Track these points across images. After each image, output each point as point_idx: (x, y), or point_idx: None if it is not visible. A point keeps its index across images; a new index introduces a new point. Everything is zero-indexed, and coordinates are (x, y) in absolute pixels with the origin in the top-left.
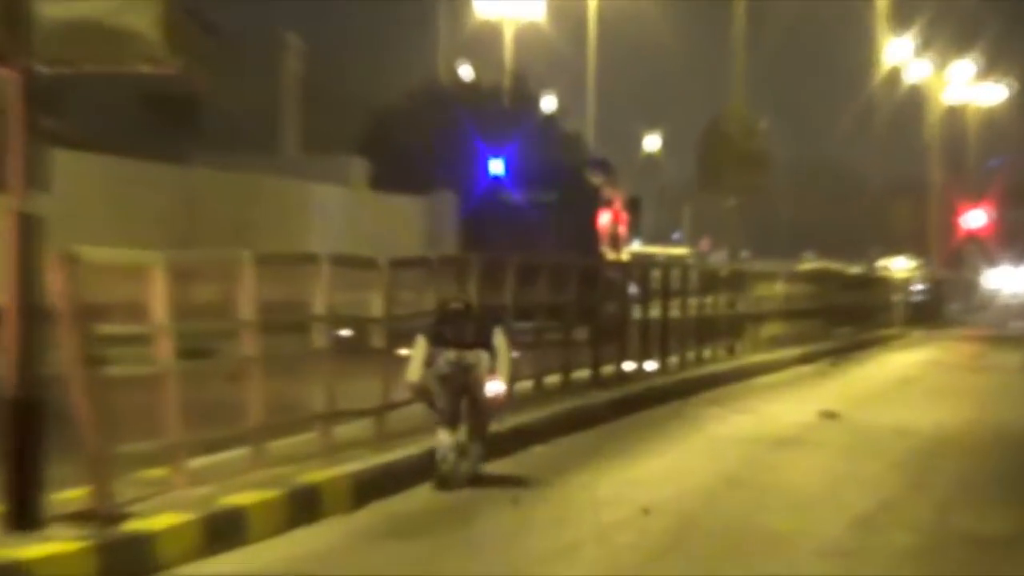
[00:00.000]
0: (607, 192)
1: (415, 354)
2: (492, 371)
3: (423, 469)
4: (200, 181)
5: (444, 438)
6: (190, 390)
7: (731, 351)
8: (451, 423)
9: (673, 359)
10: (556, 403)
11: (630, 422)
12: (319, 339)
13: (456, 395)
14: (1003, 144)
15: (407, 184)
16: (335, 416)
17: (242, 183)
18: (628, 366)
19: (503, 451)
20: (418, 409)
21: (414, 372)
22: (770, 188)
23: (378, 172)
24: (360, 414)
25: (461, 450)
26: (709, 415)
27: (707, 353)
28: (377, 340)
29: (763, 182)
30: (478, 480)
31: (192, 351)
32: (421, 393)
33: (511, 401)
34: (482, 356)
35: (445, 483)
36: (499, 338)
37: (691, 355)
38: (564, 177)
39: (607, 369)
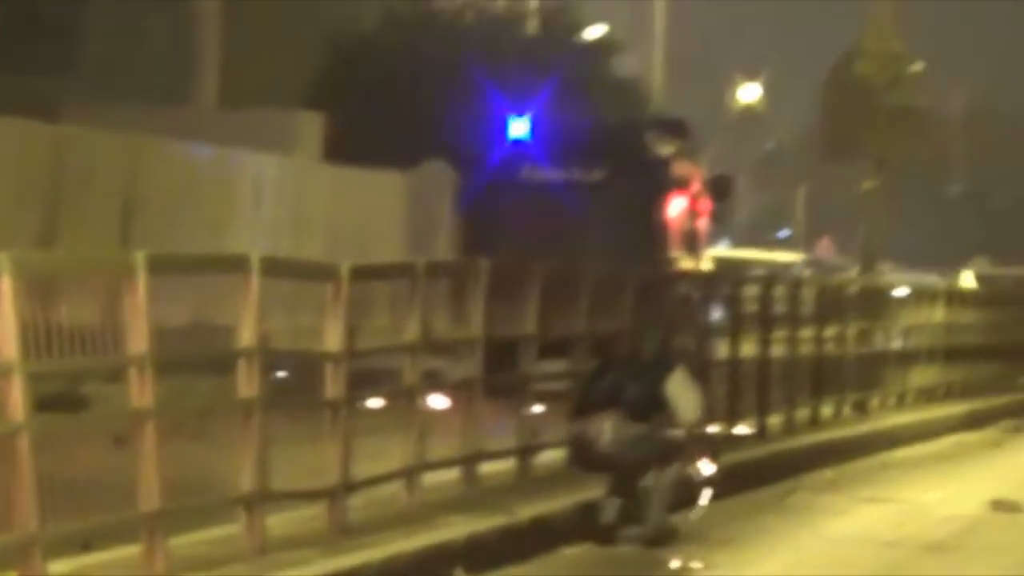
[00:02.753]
0: (681, 168)
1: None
2: None
3: None
4: (72, 143)
5: None
6: (52, 458)
7: (862, 408)
8: None
9: (775, 420)
10: (597, 484)
11: (707, 515)
12: (247, 384)
13: None
14: None
15: (381, 153)
16: (270, 499)
17: (133, 148)
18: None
19: (514, 554)
20: (395, 489)
21: None
22: (930, 162)
23: (338, 134)
24: (307, 496)
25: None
26: (827, 505)
27: (826, 411)
28: (332, 386)
29: (920, 152)
30: None
31: (54, 399)
32: None
33: None
34: None
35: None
36: None
37: (802, 414)
38: (617, 145)
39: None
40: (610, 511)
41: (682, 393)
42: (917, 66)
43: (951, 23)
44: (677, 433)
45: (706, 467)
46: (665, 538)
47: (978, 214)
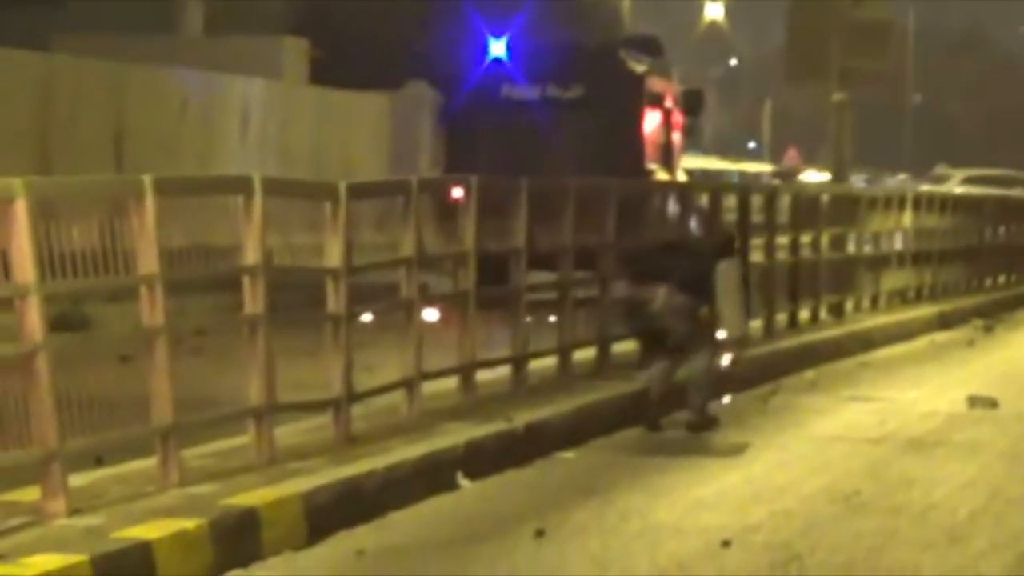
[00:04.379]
0: (655, 84)
1: None
2: None
3: (404, 485)
4: (63, 72)
5: None
6: (64, 376)
7: (839, 312)
8: None
9: (755, 324)
10: (589, 390)
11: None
12: (252, 300)
13: None
14: None
15: (365, 75)
16: (277, 411)
17: (124, 76)
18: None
19: (512, 459)
20: (394, 400)
21: None
22: (895, 76)
23: (323, 58)
24: (313, 407)
25: None
26: (809, 405)
27: (804, 315)
28: (333, 301)
29: (884, 67)
30: None
31: (58, 319)
32: None
33: None
34: None
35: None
36: None
37: (781, 318)
38: (592, 63)
39: None
40: (655, 388)
41: (728, 295)
42: None
43: None
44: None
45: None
46: (708, 424)
47: (935, 123)
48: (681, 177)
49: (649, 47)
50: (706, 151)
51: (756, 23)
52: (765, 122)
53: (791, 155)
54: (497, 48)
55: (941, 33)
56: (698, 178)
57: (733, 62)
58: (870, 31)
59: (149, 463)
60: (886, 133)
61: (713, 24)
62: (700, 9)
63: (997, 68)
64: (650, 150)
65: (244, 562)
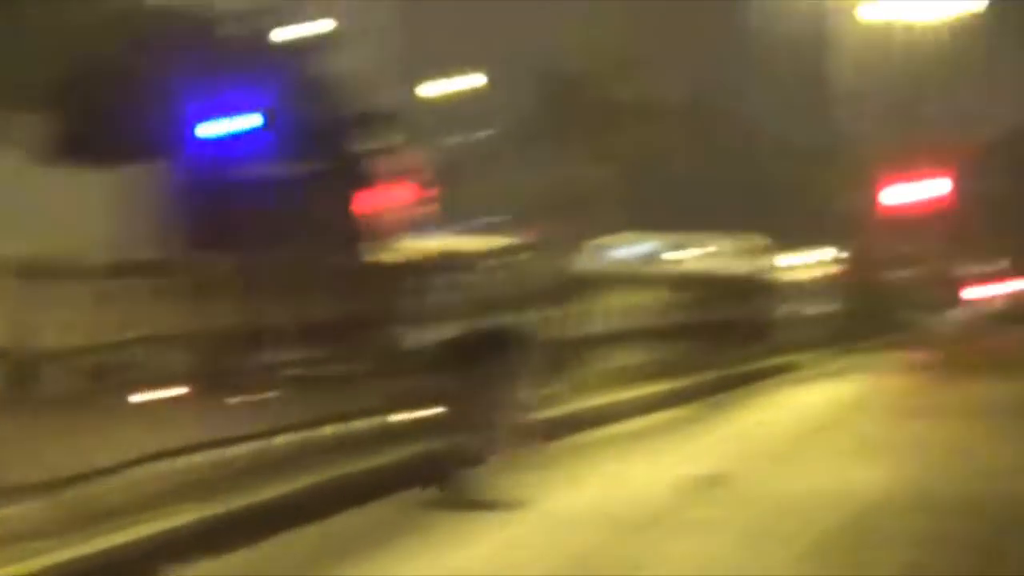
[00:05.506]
0: (393, 160)
1: None
2: None
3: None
4: None
5: None
6: None
7: (569, 388)
8: None
9: None
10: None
11: (398, 503)
12: None
13: None
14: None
15: (105, 151)
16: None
17: None
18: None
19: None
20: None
21: None
22: (657, 148)
23: (75, 134)
24: (40, 488)
25: None
26: (524, 484)
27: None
28: (52, 382)
29: (646, 140)
30: None
31: None
32: None
33: None
34: None
35: None
36: None
37: None
38: (322, 139)
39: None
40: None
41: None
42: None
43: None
44: None
45: None
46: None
47: (706, 189)
48: (418, 254)
49: (384, 123)
50: (454, 226)
51: (514, 93)
52: (519, 194)
53: (541, 229)
54: (218, 127)
55: (713, 111)
56: (443, 257)
57: (487, 132)
58: (626, 109)
59: None
60: (660, 198)
61: (467, 96)
62: (455, 81)
63: (743, 135)
64: (384, 226)
65: None
